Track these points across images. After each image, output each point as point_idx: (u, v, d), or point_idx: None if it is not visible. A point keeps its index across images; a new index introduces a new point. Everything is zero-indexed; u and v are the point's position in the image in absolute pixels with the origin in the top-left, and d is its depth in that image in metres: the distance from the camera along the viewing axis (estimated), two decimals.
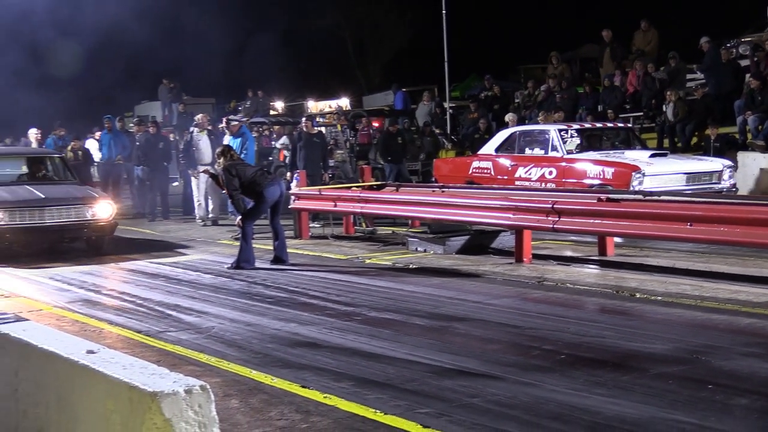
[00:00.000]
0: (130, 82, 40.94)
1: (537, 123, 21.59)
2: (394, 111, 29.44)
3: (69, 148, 22.67)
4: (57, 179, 17.62)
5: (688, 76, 24.53)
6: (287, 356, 8.42)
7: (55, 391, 4.78)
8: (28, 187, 16.49)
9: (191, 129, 21.69)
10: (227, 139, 19.02)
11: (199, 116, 21.63)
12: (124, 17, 31.22)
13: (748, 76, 21.13)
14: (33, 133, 25.15)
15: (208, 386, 4.10)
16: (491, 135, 21.30)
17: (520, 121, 22.31)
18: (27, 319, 5.76)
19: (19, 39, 31.75)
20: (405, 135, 23.82)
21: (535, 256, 13.45)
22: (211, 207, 20.55)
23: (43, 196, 15.90)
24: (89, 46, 33.60)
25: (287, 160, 21.82)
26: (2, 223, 15.30)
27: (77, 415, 4.55)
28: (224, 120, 20.64)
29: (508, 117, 22.49)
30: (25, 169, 17.90)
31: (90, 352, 4.61)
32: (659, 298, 10.47)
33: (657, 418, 6.27)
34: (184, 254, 16.10)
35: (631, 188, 15.12)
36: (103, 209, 16.10)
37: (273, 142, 26.17)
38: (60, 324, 10.00)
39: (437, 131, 26.62)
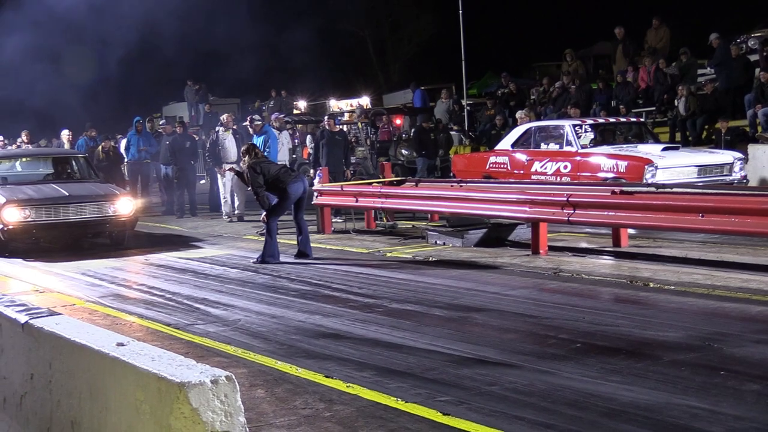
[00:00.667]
0: (158, 83, 41.23)
1: (552, 118, 21.83)
2: (413, 109, 29.61)
3: (100, 147, 23.05)
4: (80, 178, 18.21)
5: (699, 71, 24.57)
6: (311, 347, 8.55)
7: (87, 382, 4.82)
8: (53, 185, 17.13)
9: (217, 128, 21.97)
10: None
11: (224, 116, 21.93)
12: (153, 20, 31.50)
13: (758, 70, 21.23)
14: (65, 135, 25.93)
15: (233, 377, 4.15)
16: (507, 131, 21.44)
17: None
18: (60, 314, 5.87)
19: (52, 42, 32.08)
20: (438, 131, 24.09)
21: (551, 248, 13.54)
22: (237, 204, 20.79)
23: (67, 194, 16.54)
24: (120, 48, 33.92)
25: (310, 158, 22.09)
26: (29, 219, 15.97)
27: (108, 404, 4.60)
28: (248, 119, 20.82)
29: (519, 114, 22.68)
30: (50, 169, 18.55)
31: (120, 344, 4.64)
32: (672, 287, 10.54)
33: (671, 403, 6.36)
34: (211, 250, 16.26)
35: (645, 181, 15.15)
36: (124, 205, 16.73)
37: (296, 140, 26.41)
38: (92, 318, 10.19)
39: (455, 128, 26.78)
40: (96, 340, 4.84)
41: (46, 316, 5.60)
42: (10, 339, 5.80)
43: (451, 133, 25.74)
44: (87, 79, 34.88)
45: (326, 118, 21.40)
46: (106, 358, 4.58)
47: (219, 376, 4.12)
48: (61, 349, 5.13)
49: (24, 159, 20.09)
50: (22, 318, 5.61)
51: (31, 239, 16.69)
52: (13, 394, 5.80)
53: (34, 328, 5.45)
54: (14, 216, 15.93)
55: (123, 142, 26.00)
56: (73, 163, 18.88)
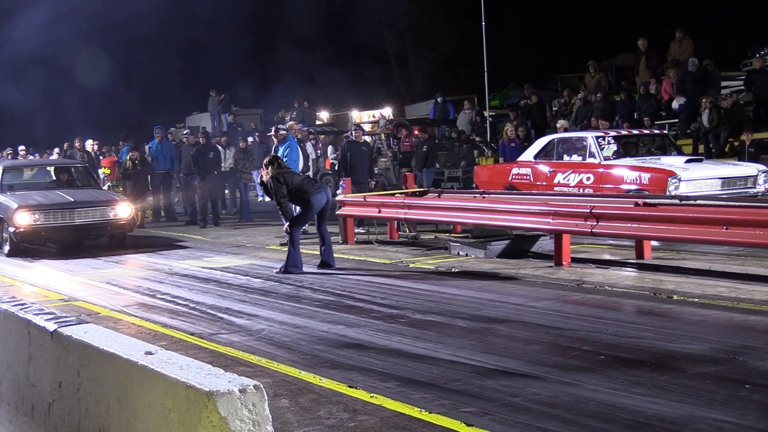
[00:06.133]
0: (182, 93, 41.61)
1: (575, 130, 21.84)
2: (435, 120, 29.67)
3: (128, 157, 23.41)
4: (82, 185, 19.91)
5: (723, 84, 24.54)
6: (335, 357, 8.57)
7: (115, 390, 4.85)
8: (58, 192, 18.77)
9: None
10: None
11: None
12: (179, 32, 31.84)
13: None
14: (89, 144, 26.73)
15: (261, 386, 4.17)
16: (530, 142, 21.46)
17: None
18: (88, 322, 5.93)
19: (78, 52, 32.46)
20: (461, 141, 24.21)
21: (574, 260, 13.52)
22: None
23: (72, 200, 18.13)
24: (146, 60, 34.33)
25: (333, 168, 22.13)
26: (39, 222, 17.61)
27: (137, 413, 4.63)
28: (273, 129, 20.87)
29: (559, 123, 22.69)
30: (55, 177, 20.35)
31: (148, 353, 4.68)
32: (696, 299, 10.51)
33: (696, 417, 6.34)
34: (234, 260, 16.30)
35: (668, 193, 15.14)
36: (123, 210, 18.38)
37: (318, 151, 26.46)
38: (117, 327, 10.22)
39: (477, 139, 26.79)
40: (124, 348, 4.87)
41: (75, 324, 5.62)
42: (39, 347, 5.83)
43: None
44: (109, 85, 35.28)
45: (353, 128, 21.41)
46: (135, 367, 4.61)
47: (247, 386, 4.15)
48: (89, 357, 5.16)
49: (31, 169, 21.83)
50: (51, 326, 5.64)
51: (40, 241, 18.44)
52: (41, 401, 5.82)
53: (63, 337, 5.48)
54: (25, 220, 17.58)
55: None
56: (75, 172, 20.73)
